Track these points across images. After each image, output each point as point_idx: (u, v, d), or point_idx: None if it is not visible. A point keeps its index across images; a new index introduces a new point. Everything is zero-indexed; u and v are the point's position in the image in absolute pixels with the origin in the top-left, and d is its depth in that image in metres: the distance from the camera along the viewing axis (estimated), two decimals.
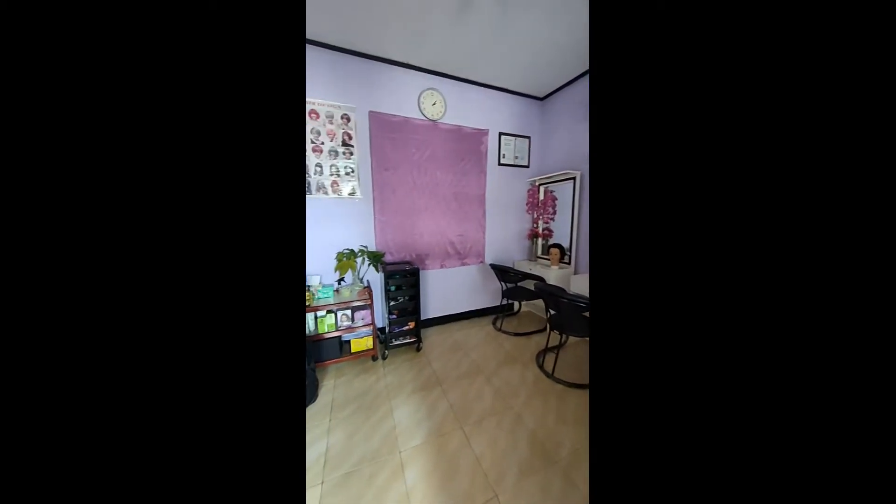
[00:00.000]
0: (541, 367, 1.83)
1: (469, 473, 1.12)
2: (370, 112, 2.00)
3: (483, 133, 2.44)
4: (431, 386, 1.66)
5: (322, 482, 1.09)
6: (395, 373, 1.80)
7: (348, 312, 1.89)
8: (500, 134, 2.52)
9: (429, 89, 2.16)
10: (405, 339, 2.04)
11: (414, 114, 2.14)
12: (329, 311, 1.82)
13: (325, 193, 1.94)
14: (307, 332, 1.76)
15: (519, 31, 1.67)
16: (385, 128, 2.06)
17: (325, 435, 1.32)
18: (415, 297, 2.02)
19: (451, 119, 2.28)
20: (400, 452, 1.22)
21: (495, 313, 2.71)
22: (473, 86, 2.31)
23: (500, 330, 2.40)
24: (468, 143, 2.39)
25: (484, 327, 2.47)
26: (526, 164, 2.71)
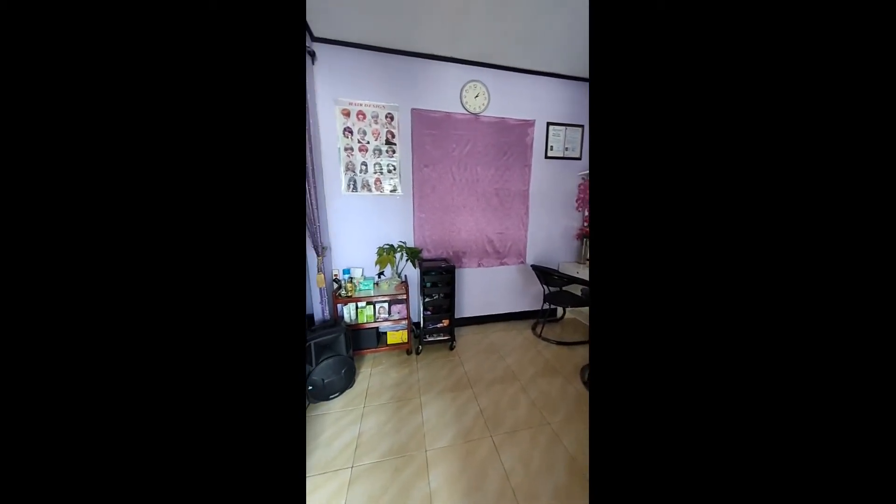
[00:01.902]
0: (585, 383, 1.63)
1: (496, 488, 1.05)
2: (412, 109, 2.02)
3: (528, 124, 2.27)
4: (462, 387, 1.62)
5: (352, 466, 1.14)
6: (427, 368, 1.81)
7: (385, 305, 1.96)
8: (549, 124, 2.32)
9: (471, 81, 2.09)
10: (439, 336, 2.03)
11: (455, 108, 2.10)
12: (369, 303, 1.91)
13: (369, 190, 2.03)
14: (349, 320, 1.87)
15: (571, 5, 1.49)
16: (426, 124, 2.06)
17: (358, 420, 1.39)
18: (450, 296, 2.00)
19: (494, 111, 2.17)
20: (426, 451, 1.21)
21: (536, 318, 2.53)
22: (520, 73, 2.16)
23: (540, 336, 2.22)
24: (512, 135, 2.25)
25: (522, 332, 2.32)
26: (577, 155, 2.44)
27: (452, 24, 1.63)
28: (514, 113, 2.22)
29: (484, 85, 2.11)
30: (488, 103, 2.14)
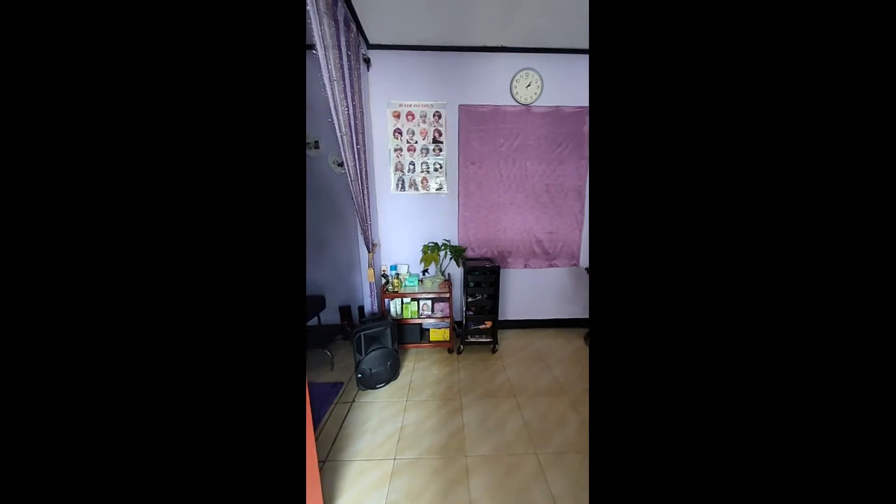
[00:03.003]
0: None
1: None
2: (460, 106, 1.99)
3: (587, 111, 2.03)
4: (504, 394, 1.55)
5: (394, 458, 1.18)
6: (468, 369, 1.78)
7: (429, 302, 1.99)
8: None
9: (523, 70, 1.95)
10: (481, 337, 1.98)
11: (504, 101, 1.99)
12: (413, 299, 1.96)
13: (416, 189, 2.08)
14: (394, 314, 1.96)
15: None
16: (473, 120, 2.01)
17: (401, 413, 1.43)
18: (493, 296, 1.93)
19: (547, 100, 2.00)
20: (466, 456, 1.18)
21: (589, 327, 2.27)
22: (578, 55, 1.94)
23: None
24: (567, 125, 2.05)
25: (572, 341, 2.11)
26: None
27: (504, 6, 1.54)
28: (571, 100, 2.01)
29: (537, 73, 1.96)
30: (541, 92, 1.98)
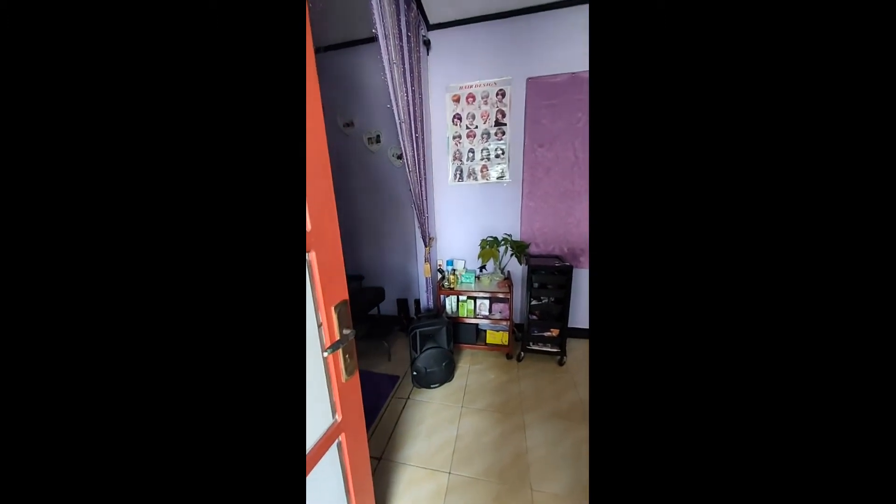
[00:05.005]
0: None
1: None
2: (528, 80, 1.73)
3: None
4: (579, 419, 1.30)
5: (450, 472, 1.09)
6: (530, 380, 1.58)
7: (486, 302, 1.84)
8: None
9: None
10: (545, 346, 1.74)
11: (584, 65, 1.64)
12: (470, 297, 1.84)
13: (475, 179, 1.92)
14: (450, 311, 1.87)
15: None
16: (543, 94, 1.72)
17: (456, 419, 1.34)
18: (562, 301, 1.65)
19: None
20: (532, 490, 1.01)
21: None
22: None
23: None
24: None
25: None
26: None
27: None
28: None
29: None
30: None
